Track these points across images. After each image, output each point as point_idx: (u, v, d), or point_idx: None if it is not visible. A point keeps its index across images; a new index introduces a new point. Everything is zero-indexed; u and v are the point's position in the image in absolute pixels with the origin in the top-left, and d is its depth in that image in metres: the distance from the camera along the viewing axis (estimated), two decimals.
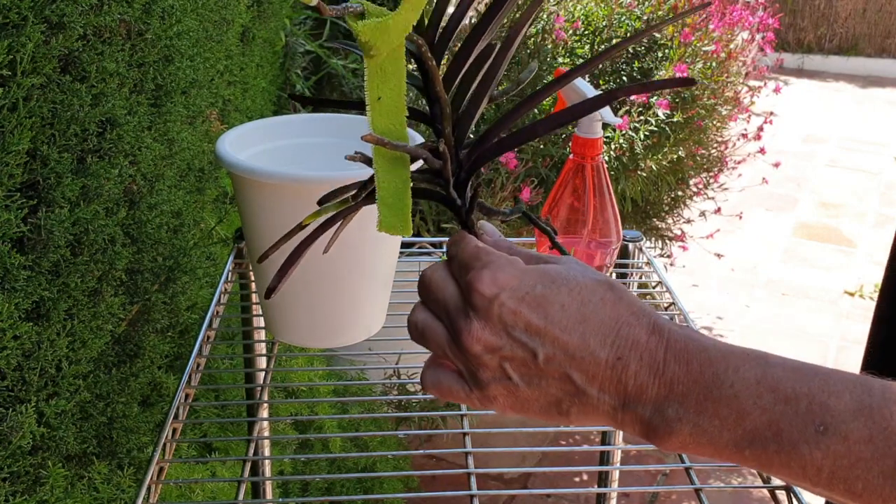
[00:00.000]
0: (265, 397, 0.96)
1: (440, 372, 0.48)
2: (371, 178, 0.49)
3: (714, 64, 2.12)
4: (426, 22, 0.48)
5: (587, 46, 2.15)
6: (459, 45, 0.50)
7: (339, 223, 0.52)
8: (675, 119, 2.01)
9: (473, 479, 0.76)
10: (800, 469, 0.41)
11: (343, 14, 0.43)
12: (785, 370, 0.42)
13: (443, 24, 0.49)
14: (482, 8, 2.22)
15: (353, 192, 0.50)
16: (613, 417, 0.44)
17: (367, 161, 0.48)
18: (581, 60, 2.16)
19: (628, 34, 2.14)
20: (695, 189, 2.26)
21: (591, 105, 0.49)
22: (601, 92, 0.52)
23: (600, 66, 2.12)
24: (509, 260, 0.45)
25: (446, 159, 0.48)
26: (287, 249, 0.63)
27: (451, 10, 0.50)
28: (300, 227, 0.51)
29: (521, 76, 0.53)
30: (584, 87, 0.95)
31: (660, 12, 2.16)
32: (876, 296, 3.28)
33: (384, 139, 0.46)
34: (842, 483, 0.40)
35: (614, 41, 2.14)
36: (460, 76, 0.49)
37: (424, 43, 0.46)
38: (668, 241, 2.33)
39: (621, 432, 1.27)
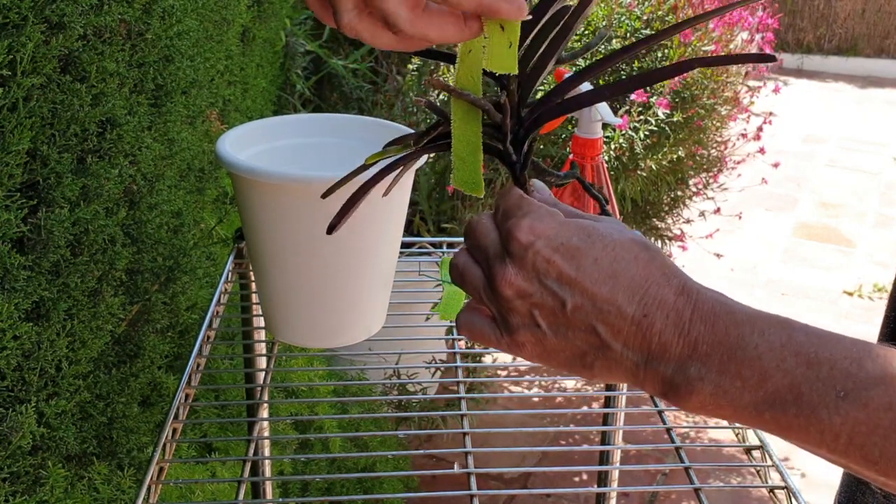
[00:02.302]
0: (265, 397, 0.96)
1: (474, 315, 0.49)
2: (433, 126, 0.50)
3: None
4: None
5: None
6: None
7: (399, 169, 0.52)
8: (674, 119, 2.01)
9: (473, 479, 0.76)
10: (818, 434, 0.41)
11: None
12: (809, 335, 0.42)
13: None
14: None
15: (414, 138, 0.51)
16: (635, 374, 0.45)
17: (433, 108, 0.49)
18: (582, 61, 2.16)
19: (628, 34, 2.14)
20: (694, 189, 2.26)
21: (669, 72, 0.49)
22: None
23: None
24: (549, 211, 0.47)
25: (506, 113, 0.49)
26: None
27: None
28: (364, 167, 0.52)
29: (590, 42, 0.54)
30: (584, 88, 0.96)
31: (659, 12, 2.17)
32: (875, 295, 3.26)
33: (451, 85, 0.47)
34: (858, 450, 0.41)
35: (614, 41, 2.14)
36: (532, 35, 0.50)
37: None
38: (667, 241, 2.33)
39: (621, 432, 1.27)
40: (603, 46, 2.14)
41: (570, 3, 0.50)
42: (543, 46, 0.50)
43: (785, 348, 0.42)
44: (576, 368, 0.47)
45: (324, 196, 0.54)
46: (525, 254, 0.45)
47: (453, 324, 0.90)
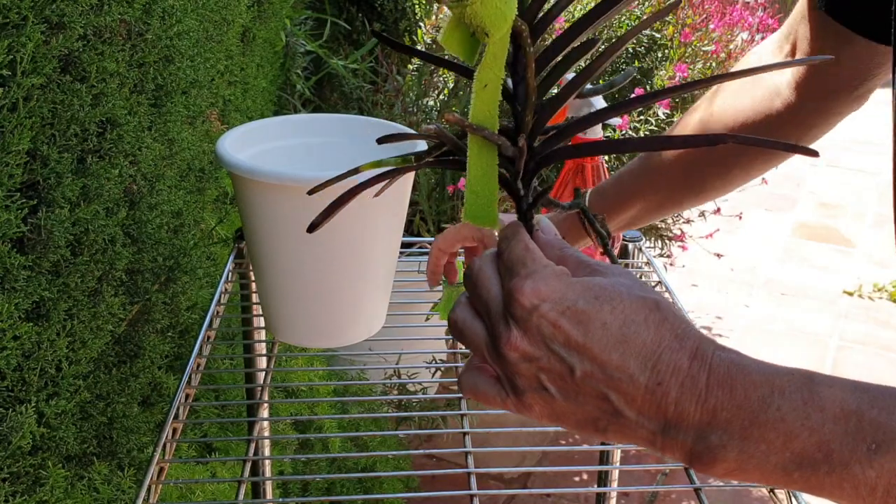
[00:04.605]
0: (265, 397, 0.96)
1: (478, 376, 0.47)
2: (437, 145, 0.49)
3: (714, 64, 2.12)
4: (527, 3, 0.47)
5: None
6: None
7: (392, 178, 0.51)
8: (675, 119, 2.01)
9: (473, 479, 0.76)
10: (852, 490, 0.40)
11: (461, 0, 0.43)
12: (832, 388, 0.41)
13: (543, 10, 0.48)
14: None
15: (425, 150, 0.50)
16: (653, 442, 0.43)
17: (442, 136, 0.47)
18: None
19: None
20: None
21: (701, 140, 0.47)
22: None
23: (601, 67, 2.12)
24: (555, 271, 0.45)
25: (523, 154, 0.47)
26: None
27: None
28: (355, 170, 0.50)
29: (615, 79, 0.52)
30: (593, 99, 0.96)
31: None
32: (875, 295, 3.25)
33: (466, 121, 0.45)
34: None
35: (614, 41, 2.14)
36: (552, 64, 0.48)
37: (527, 28, 0.45)
38: (667, 241, 2.33)
39: None
40: (603, 47, 2.14)
41: (597, 37, 0.48)
42: (566, 78, 0.48)
43: (808, 405, 0.40)
44: (588, 431, 0.45)
45: (310, 193, 0.52)
46: (529, 318, 0.43)
47: None
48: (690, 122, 0.84)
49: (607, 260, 0.72)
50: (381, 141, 0.51)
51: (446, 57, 0.53)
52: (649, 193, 0.85)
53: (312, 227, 0.50)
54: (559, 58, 0.48)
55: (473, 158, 0.47)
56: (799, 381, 0.41)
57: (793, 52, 0.78)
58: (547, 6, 0.48)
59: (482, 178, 0.48)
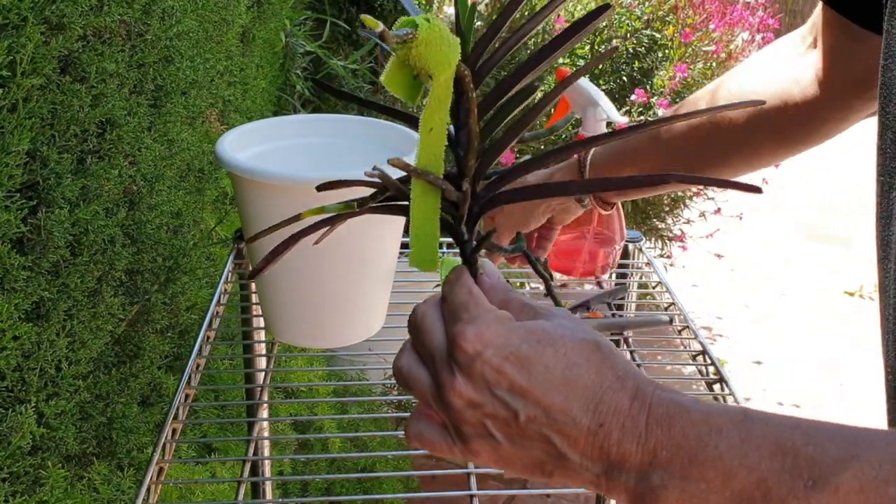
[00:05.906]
0: (265, 398, 0.96)
1: (423, 424, 0.47)
2: (381, 189, 0.49)
3: (714, 64, 2.12)
4: (469, 48, 0.47)
5: (587, 46, 2.16)
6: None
7: (335, 223, 0.51)
8: None
9: (473, 479, 0.76)
10: None
11: (406, 39, 0.42)
12: (769, 425, 0.41)
13: (485, 55, 0.48)
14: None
15: (361, 196, 0.50)
16: (597, 484, 0.44)
17: (386, 179, 0.47)
18: (582, 61, 2.16)
19: (628, 34, 2.14)
20: (695, 189, 2.26)
21: (641, 182, 0.47)
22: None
23: (601, 66, 2.12)
24: (497, 316, 0.45)
25: (467, 198, 0.47)
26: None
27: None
28: (297, 217, 0.51)
29: (556, 124, 0.52)
30: (588, 87, 0.96)
31: (660, 12, 2.17)
32: (876, 296, 3.26)
33: (411, 166, 0.45)
34: None
35: (614, 41, 2.14)
36: (495, 109, 0.48)
37: (469, 73, 0.45)
38: (667, 242, 2.34)
39: None
40: (603, 47, 2.14)
41: (537, 83, 0.48)
42: (507, 123, 0.48)
43: (745, 443, 0.41)
44: (536, 475, 0.46)
45: (247, 242, 0.53)
46: (472, 364, 0.43)
47: None
48: (704, 96, 0.85)
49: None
50: (321, 188, 0.50)
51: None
52: (653, 154, 0.85)
53: (252, 275, 0.51)
54: (501, 102, 0.48)
55: (416, 203, 0.47)
56: (735, 419, 0.42)
57: (814, 44, 0.78)
58: (487, 55, 0.48)
59: (424, 222, 0.47)
